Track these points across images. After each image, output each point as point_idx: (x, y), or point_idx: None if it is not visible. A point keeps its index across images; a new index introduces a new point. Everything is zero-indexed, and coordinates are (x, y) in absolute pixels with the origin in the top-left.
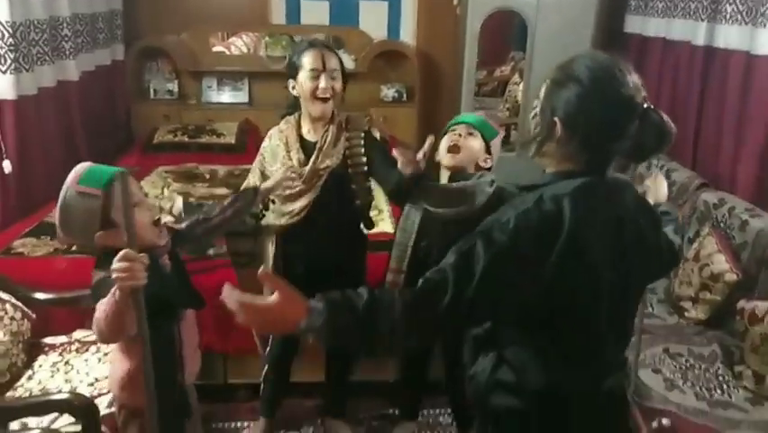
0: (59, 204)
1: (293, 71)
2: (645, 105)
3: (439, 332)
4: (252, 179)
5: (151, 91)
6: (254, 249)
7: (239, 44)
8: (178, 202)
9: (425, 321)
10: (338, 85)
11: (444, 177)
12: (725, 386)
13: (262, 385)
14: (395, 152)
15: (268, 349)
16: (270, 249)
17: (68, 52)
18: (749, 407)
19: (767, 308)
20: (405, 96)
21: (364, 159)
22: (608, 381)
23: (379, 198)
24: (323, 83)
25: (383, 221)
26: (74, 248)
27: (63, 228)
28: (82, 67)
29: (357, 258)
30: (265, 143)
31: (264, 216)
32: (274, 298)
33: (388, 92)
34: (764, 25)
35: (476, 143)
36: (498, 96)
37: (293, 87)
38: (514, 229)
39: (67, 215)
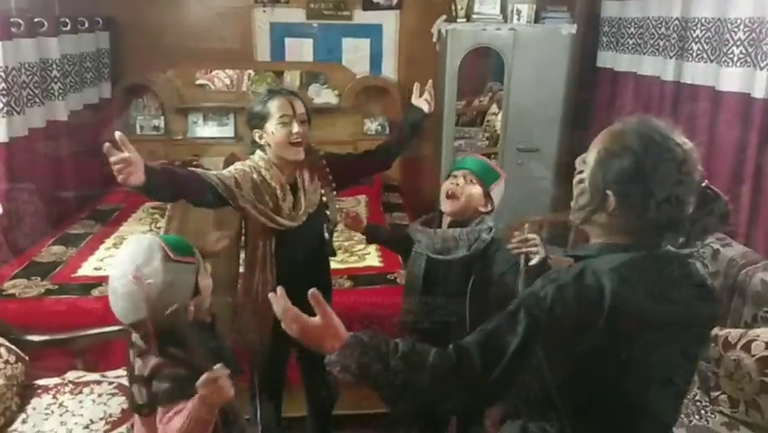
0: (134, 286)
1: (258, 121)
2: (704, 182)
3: (470, 400)
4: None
5: (138, 127)
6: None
7: (221, 76)
8: None
9: (459, 385)
10: (306, 129)
11: (445, 222)
12: (702, 411)
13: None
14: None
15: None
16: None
17: (57, 93)
18: (725, 431)
19: (739, 335)
20: (387, 129)
21: (334, 184)
22: None
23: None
24: (296, 128)
25: (369, 255)
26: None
27: (150, 309)
28: (70, 106)
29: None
30: (243, 169)
31: None
32: (317, 321)
33: (372, 125)
34: (728, 64)
35: (475, 190)
36: (477, 126)
37: (260, 137)
38: (551, 305)
39: (161, 291)
